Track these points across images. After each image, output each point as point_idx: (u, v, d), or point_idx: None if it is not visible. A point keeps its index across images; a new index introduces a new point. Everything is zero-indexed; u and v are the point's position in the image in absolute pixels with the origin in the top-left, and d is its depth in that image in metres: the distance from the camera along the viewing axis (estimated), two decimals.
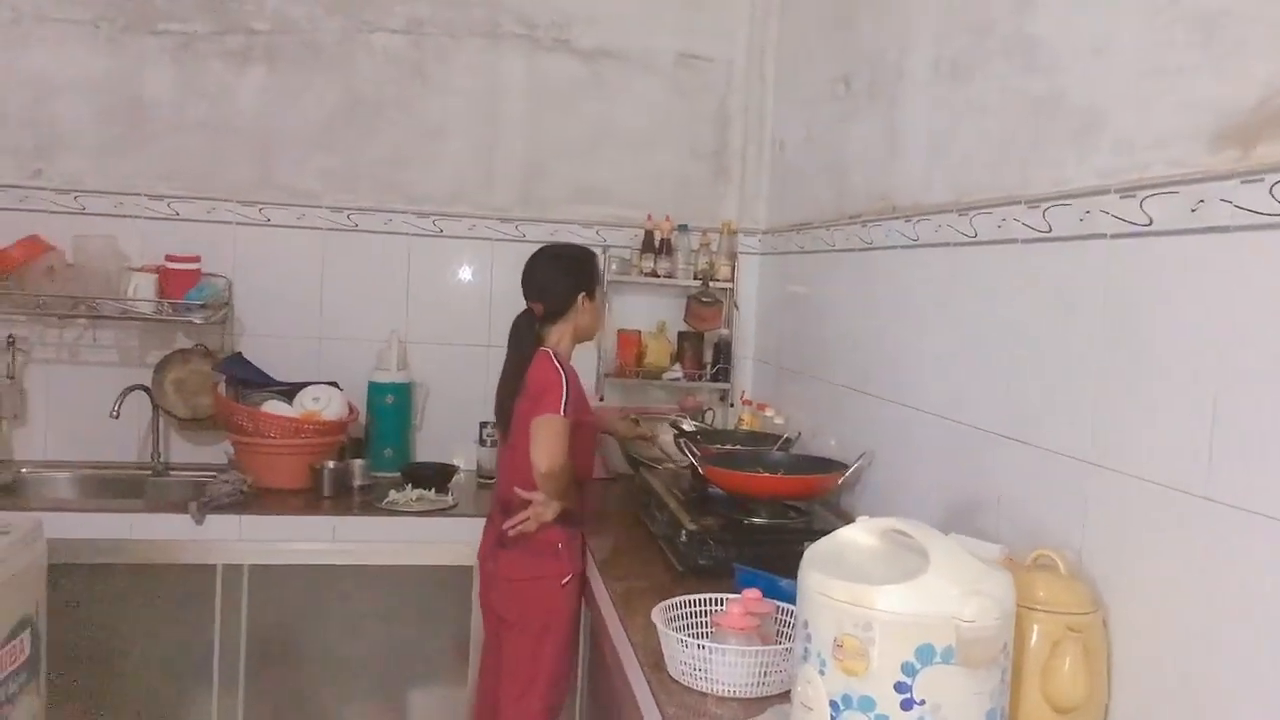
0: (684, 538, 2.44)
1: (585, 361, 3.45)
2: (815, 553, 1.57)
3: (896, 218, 2.52)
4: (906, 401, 2.43)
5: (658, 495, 2.80)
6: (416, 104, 3.54)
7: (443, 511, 3.06)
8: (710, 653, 1.68)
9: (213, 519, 2.88)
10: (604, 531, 2.85)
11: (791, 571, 2.33)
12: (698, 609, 1.91)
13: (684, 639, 1.72)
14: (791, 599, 1.92)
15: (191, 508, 2.86)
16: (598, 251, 2.85)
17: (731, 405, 3.68)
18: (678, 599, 1.90)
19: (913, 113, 2.45)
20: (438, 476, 3.30)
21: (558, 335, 2.67)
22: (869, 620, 1.38)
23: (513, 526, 2.57)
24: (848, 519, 2.66)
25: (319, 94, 3.48)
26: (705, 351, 3.70)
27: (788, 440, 2.91)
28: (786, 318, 3.43)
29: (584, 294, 2.66)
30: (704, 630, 1.88)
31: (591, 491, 2.78)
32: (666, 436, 3.52)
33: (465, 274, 3.62)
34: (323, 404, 3.21)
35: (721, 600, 1.90)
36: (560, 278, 2.67)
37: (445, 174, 3.58)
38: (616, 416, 3.30)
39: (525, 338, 2.64)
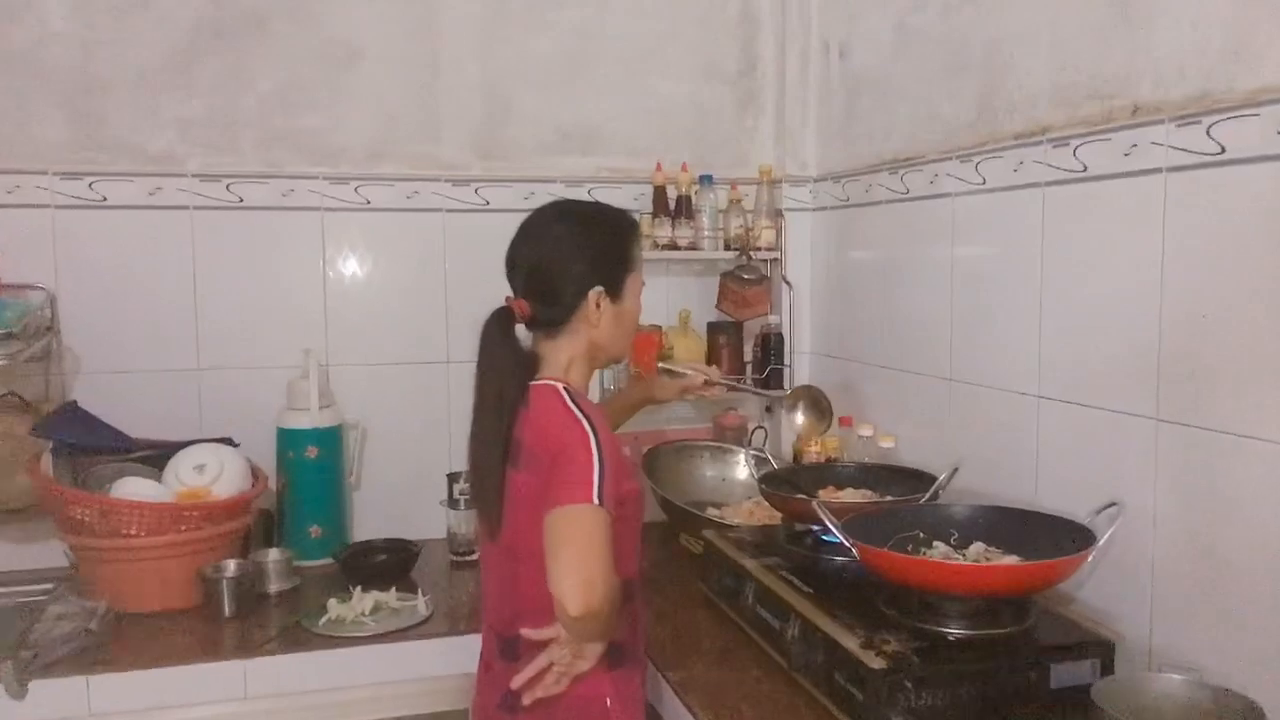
0: (863, 681, 1.45)
1: None
2: None
3: (1144, 123, 1.56)
4: (1200, 422, 1.48)
5: (763, 586, 1.80)
6: (317, 13, 2.42)
7: (412, 630, 1.98)
8: None
9: (42, 685, 1.76)
10: (661, 628, 1.85)
11: None
12: None
13: None
14: None
15: (4, 670, 1.73)
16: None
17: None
18: None
19: None
20: (394, 564, 2.23)
21: (565, 355, 1.58)
22: None
23: (527, 688, 1.51)
24: (1076, 615, 1.70)
25: (168, 2, 2.33)
26: (746, 348, 2.70)
27: (938, 484, 1.92)
28: (865, 294, 2.45)
29: (602, 289, 1.56)
30: None
31: (643, 597, 1.71)
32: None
33: (407, 262, 2.52)
34: (211, 474, 2.09)
35: None
36: (567, 257, 1.56)
37: (367, 118, 2.47)
38: (639, 384, 2.18)
39: (505, 356, 1.54)
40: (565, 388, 1.54)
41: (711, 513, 2.41)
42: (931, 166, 2.13)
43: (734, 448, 2.61)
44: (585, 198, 1.71)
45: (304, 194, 2.42)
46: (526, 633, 1.50)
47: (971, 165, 1.99)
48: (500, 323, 1.55)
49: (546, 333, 1.59)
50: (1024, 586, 1.51)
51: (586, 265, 1.56)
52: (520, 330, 1.58)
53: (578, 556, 1.37)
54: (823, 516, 1.63)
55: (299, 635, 1.94)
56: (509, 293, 1.59)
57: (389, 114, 2.48)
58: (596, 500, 1.39)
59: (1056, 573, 1.49)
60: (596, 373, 2.50)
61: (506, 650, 1.58)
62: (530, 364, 1.58)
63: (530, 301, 1.56)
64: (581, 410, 1.50)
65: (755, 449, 2.57)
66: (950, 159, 2.06)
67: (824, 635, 1.56)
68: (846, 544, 1.59)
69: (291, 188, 2.41)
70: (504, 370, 1.54)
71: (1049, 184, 1.78)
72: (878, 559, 1.55)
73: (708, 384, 2.04)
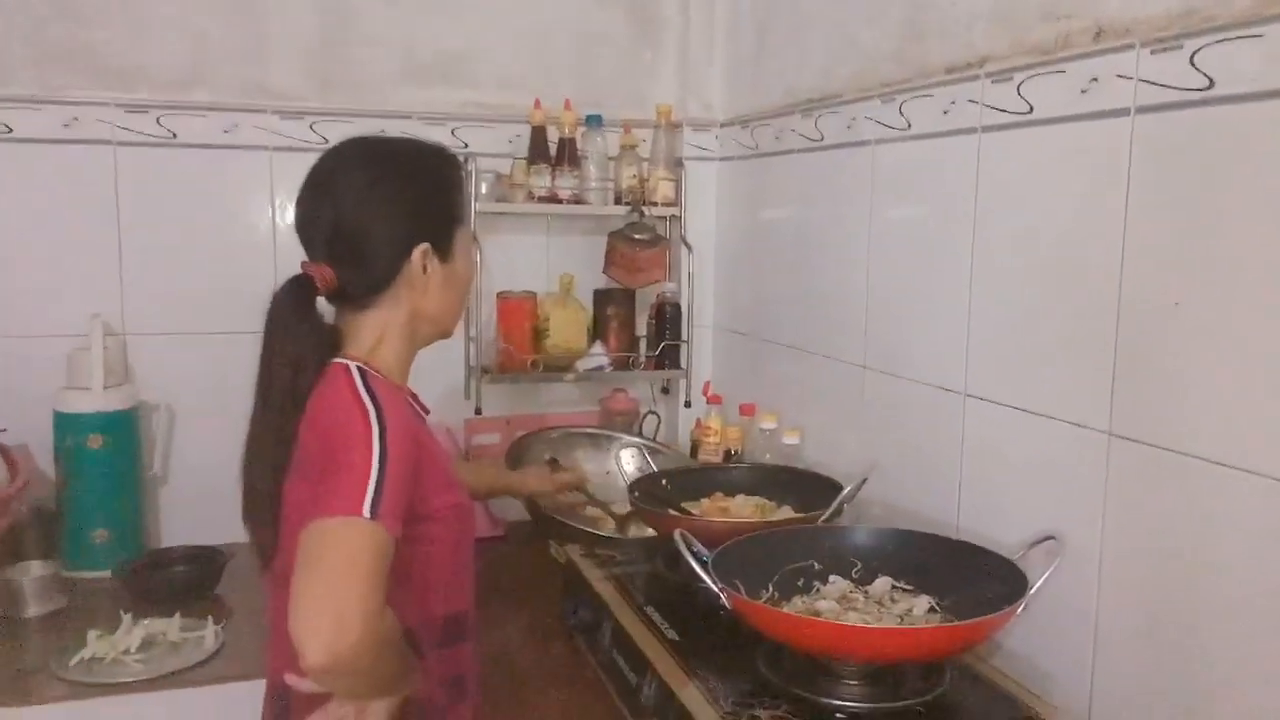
0: None
1: (442, 355, 2.04)
2: None
3: (1108, 50, 1.20)
4: (1164, 441, 1.14)
5: (620, 626, 1.45)
6: None
7: (190, 672, 1.58)
8: None
9: None
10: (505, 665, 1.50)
11: None
12: None
13: None
14: None
15: None
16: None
17: (687, 404, 2.32)
18: None
19: None
20: (191, 578, 1.84)
21: (375, 330, 1.22)
22: None
23: None
24: (1000, 675, 1.34)
25: None
26: (639, 320, 2.32)
27: (840, 498, 1.57)
28: (775, 259, 2.09)
29: (428, 246, 1.21)
30: None
31: (475, 637, 1.34)
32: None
33: (225, 210, 2.10)
34: None
35: None
36: (382, 209, 1.19)
37: (173, 33, 2.02)
38: (523, 470, 1.93)
39: (303, 340, 1.17)
40: (359, 367, 1.17)
41: (591, 512, 2.04)
42: (849, 108, 1.76)
43: (621, 435, 2.24)
44: (389, 134, 1.30)
45: (91, 124, 1.97)
46: (292, 680, 1.13)
47: (894, 106, 1.62)
48: (296, 296, 1.17)
49: (355, 304, 1.21)
50: (938, 653, 1.17)
51: (407, 218, 1.21)
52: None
53: (325, 585, 1.01)
54: (685, 553, 1.26)
55: (45, 678, 1.54)
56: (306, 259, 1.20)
57: (201, 29, 2.02)
58: (367, 512, 1.03)
59: (977, 636, 1.15)
60: (466, 347, 2.17)
61: (279, 708, 1.22)
62: (334, 346, 1.21)
63: (336, 267, 1.18)
64: (371, 394, 1.13)
65: (644, 438, 2.23)
66: (870, 98, 1.69)
67: (680, 706, 1.21)
68: (715, 589, 1.23)
69: (75, 116, 1.96)
70: (302, 358, 1.16)
71: (986, 129, 1.42)
72: (754, 613, 1.20)
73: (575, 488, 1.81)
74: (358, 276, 1.19)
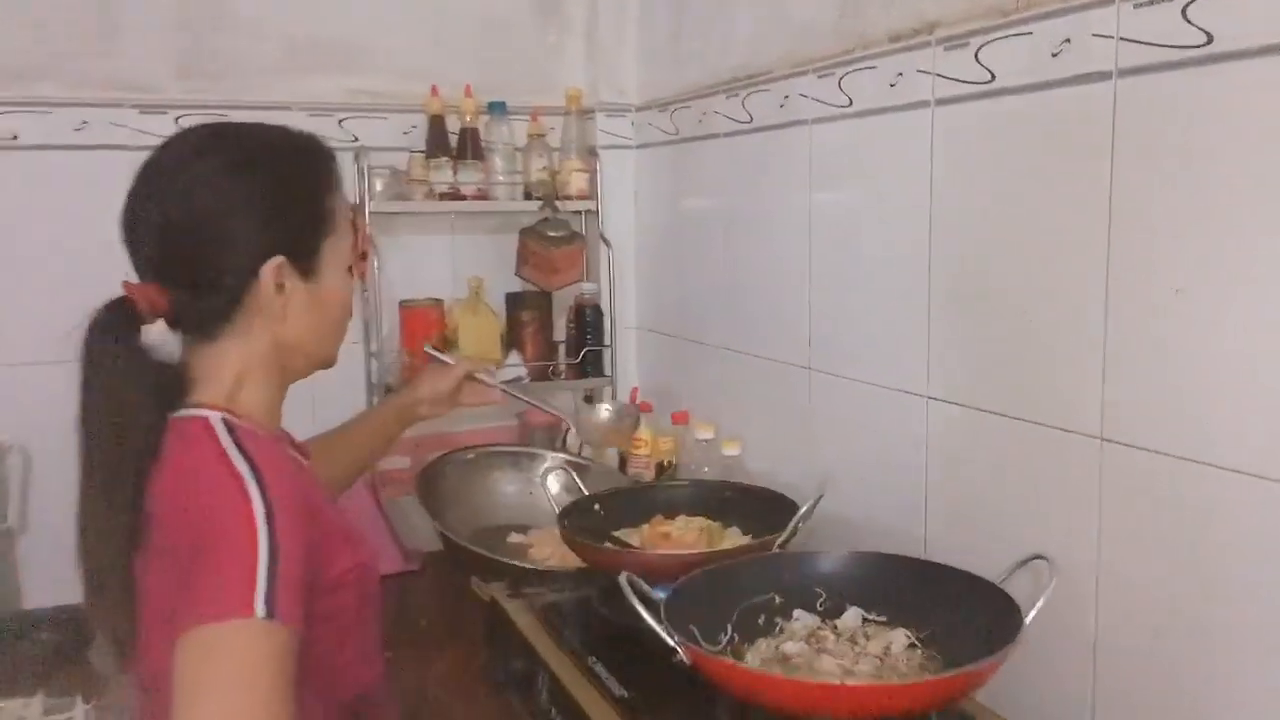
0: None
1: (340, 372, 1.83)
2: None
3: (1080, 7, 1.07)
4: (1165, 445, 1.01)
5: (558, 682, 1.27)
6: None
7: None
8: None
9: None
10: None
11: None
12: None
13: None
14: None
15: None
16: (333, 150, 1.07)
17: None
18: None
19: None
20: (56, 648, 1.60)
21: (233, 368, 0.99)
22: None
23: None
24: (991, 715, 1.18)
25: None
26: (557, 325, 2.14)
27: (797, 518, 1.42)
28: (702, 254, 1.93)
29: (284, 260, 0.97)
30: None
31: (386, 705, 1.14)
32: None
33: (78, 220, 1.81)
34: None
35: None
36: (224, 211, 0.95)
37: (10, 21, 1.76)
38: (410, 386, 1.52)
39: (128, 380, 0.93)
40: (224, 419, 0.95)
41: (515, 540, 1.86)
42: (781, 85, 1.60)
43: (544, 453, 2.05)
44: (245, 119, 1.08)
45: None
46: None
47: (833, 80, 1.47)
48: (115, 325, 0.93)
49: (201, 334, 0.99)
50: (930, 707, 1.02)
51: (255, 222, 0.97)
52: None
53: (220, 715, 0.80)
54: (633, 601, 1.09)
55: None
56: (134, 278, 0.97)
57: (40, 13, 1.77)
58: (261, 610, 0.82)
59: (974, 684, 1.00)
60: (368, 363, 1.96)
61: None
62: (175, 387, 0.97)
63: (166, 286, 0.95)
64: (246, 457, 0.91)
65: (568, 454, 2.05)
66: (805, 73, 1.54)
67: None
68: (671, 644, 1.06)
69: None
70: (128, 406, 0.93)
71: (940, 102, 1.27)
72: (720, 671, 1.04)
73: (471, 380, 1.48)
74: (193, 300, 0.96)
